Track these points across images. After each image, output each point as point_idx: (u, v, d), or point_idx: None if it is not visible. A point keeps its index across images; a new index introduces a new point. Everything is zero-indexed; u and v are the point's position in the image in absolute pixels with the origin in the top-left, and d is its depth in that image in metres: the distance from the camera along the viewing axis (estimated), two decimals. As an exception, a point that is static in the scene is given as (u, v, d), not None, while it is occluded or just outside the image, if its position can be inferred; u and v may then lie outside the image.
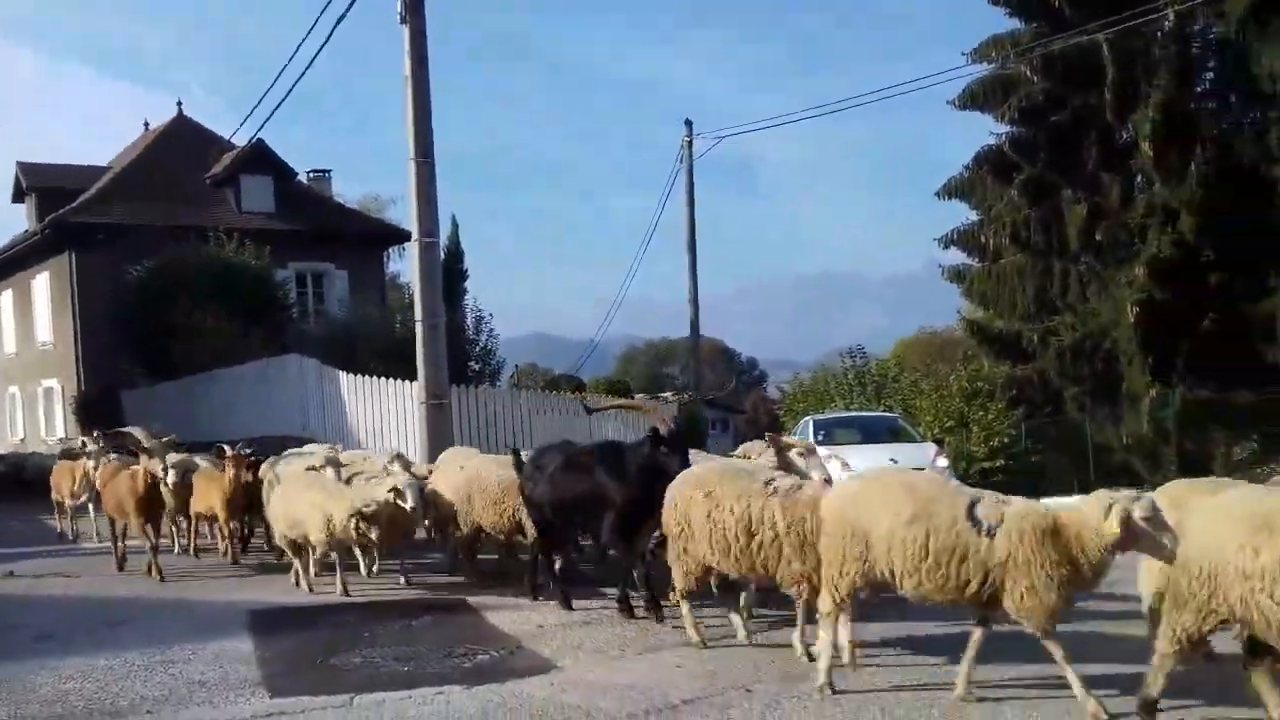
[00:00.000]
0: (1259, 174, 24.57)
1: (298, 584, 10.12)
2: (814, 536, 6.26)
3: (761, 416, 45.17)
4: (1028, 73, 25.89)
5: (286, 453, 13.33)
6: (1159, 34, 25.23)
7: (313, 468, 10.86)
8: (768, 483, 6.72)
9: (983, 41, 28.00)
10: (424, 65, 15.49)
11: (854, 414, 23.38)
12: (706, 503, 6.80)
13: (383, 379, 19.62)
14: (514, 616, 8.16)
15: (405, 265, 37.55)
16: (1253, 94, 25.25)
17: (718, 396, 23.24)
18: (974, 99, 27.53)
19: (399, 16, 15.23)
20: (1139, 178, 25.78)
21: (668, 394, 37.55)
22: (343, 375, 20.60)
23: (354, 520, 9.24)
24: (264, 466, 11.92)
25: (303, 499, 9.86)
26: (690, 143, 25.64)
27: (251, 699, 6.34)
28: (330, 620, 8.41)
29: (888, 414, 22.84)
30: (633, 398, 29.81)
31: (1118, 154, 26.02)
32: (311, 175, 34.37)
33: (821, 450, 16.60)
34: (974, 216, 29.10)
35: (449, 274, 29.35)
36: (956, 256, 29.48)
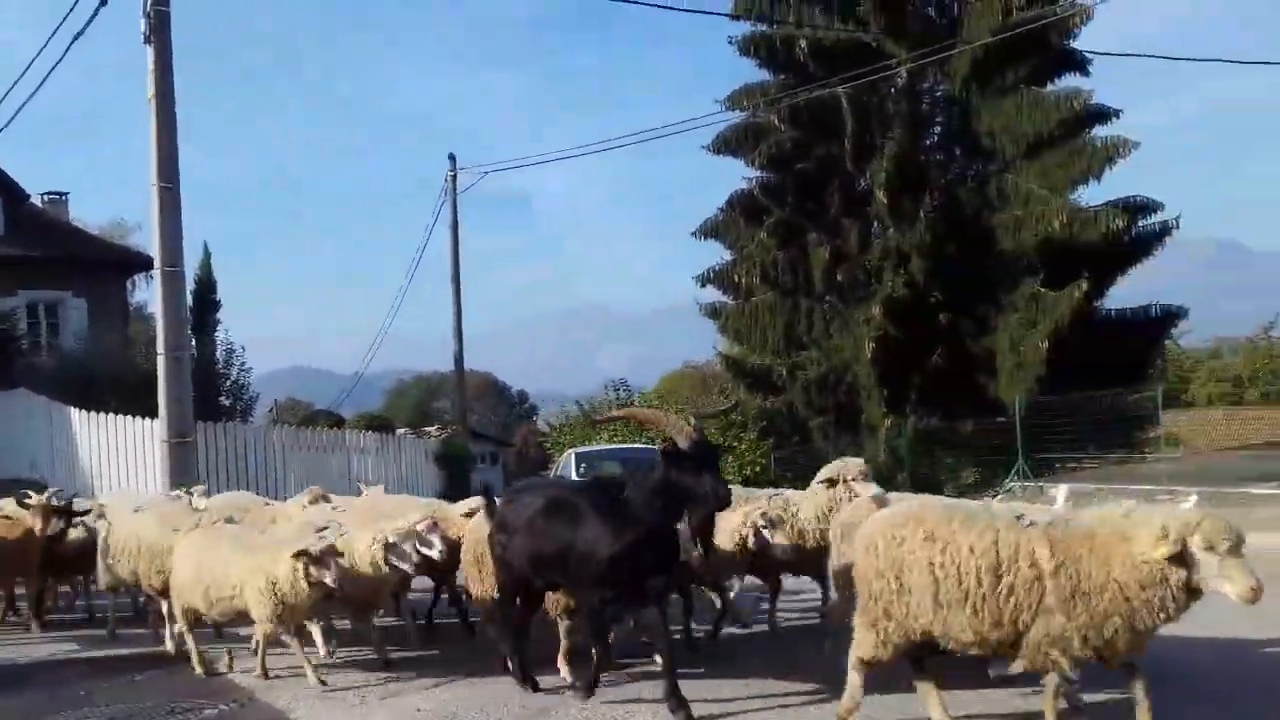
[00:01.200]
0: (980, 222, 26.91)
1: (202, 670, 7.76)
2: (1088, 583, 4.96)
3: (531, 449, 45.10)
4: (776, 122, 27.29)
5: (110, 496, 11.94)
6: (893, 90, 27.34)
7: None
8: (1018, 516, 5.36)
9: (735, 90, 29.38)
10: (169, 87, 14.78)
11: (616, 446, 23.83)
12: (928, 547, 5.31)
13: (121, 416, 18.45)
14: (250, 665, 7.81)
15: (151, 295, 35.37)
16: (975, 148, 27.66)
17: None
18: (727, 144, 28.83)
19: (143, 36, 14.51)
20: (875, 223, 27.65)
21: (432, 428, 37.06)
22: (74, 412, 19.29)
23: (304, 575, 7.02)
24: (91, 515, 9.83)
25: (235, 561, 7.38)
26: (454, 177, 25.61)
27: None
28: (45, 679, 7.81)
29: (647, 446, 23.43)
30: (394, 433, 29.34)
31: (857, 200, 27.82)
32: (47, 198, 31.88)
33: (582, 483, 17.04)
34: (728, 256, 30.36)
35: (200, 304, 27.95)
36: (714, 294, 30.68)
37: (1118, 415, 25.32)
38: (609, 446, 23.65)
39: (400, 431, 31.89)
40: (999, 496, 17.87)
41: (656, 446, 21.79)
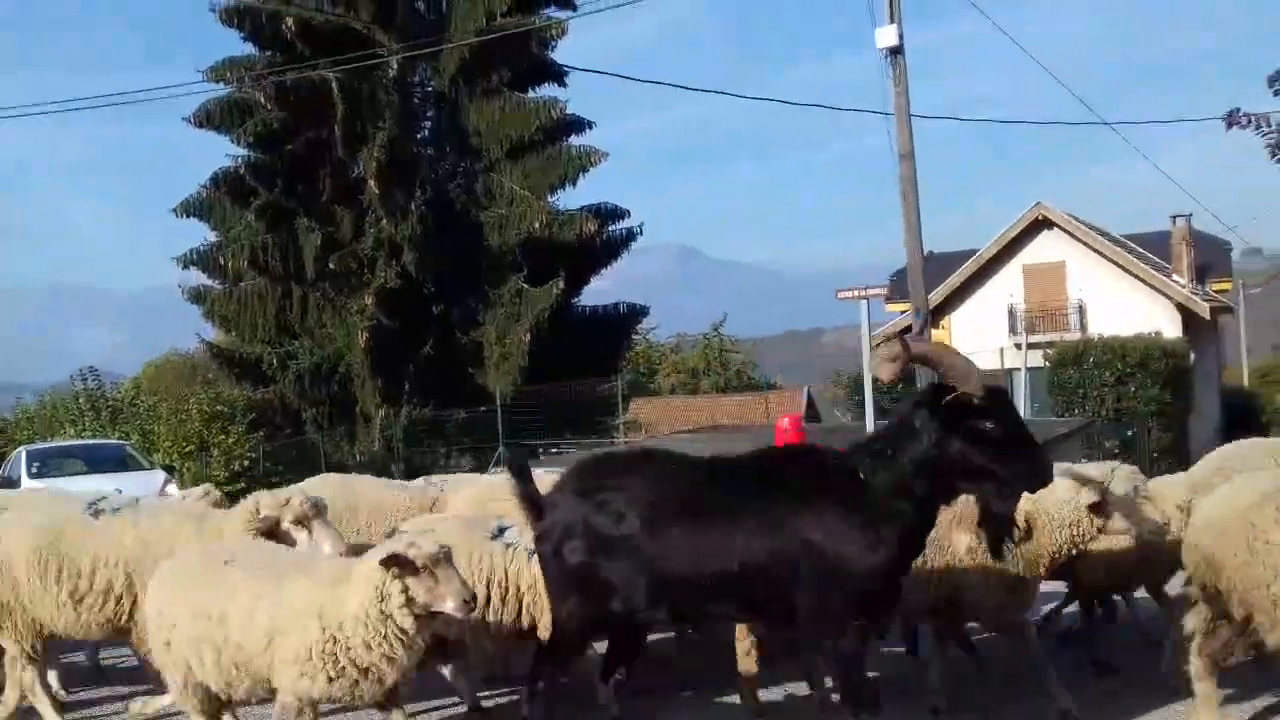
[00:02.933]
0: (469, 218, 27.89)
1: None
2: None
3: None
4: (262, 100, 26.27)
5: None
6: (384, 80, 27.47)
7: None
8: None
9: (219, 62, 27.85)
10: None
11: (76, 443, 21.89)
12: None
13: None
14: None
15: None
16: (464, 146, 28.51)
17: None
18: (210, 119, 27.20)
19: None
20: (369, 212, 27.51)
21: None
22: None
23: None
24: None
25: (287, 599, 4.56)
26: None
27: None
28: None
29: (115, 441, 21.71)
30: None
31: (350, 188, 27.54)
32: None
33: (34, 484, 15.40)
34: (213, 237, 28.76)
35: None
36: (198, 277, 28.86)
37: (591, 403, 27.67)
38: (67, 443, 21.56)
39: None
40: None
41: (123, 442, 20.39)
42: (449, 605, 4.29)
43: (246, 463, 25.10)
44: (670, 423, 35.91)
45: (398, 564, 4.29)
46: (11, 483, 16.66)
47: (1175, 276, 31.95)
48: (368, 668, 4.33)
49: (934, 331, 16.80)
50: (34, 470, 16.96)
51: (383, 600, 4.26)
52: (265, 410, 27.76)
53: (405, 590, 4.27)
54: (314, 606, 4.40)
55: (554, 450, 25.93)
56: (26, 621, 5.88)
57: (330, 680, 4.35)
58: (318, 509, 5.62)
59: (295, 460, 26.87)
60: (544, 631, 5.41)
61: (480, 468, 24.97)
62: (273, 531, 5.56)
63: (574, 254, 27.23)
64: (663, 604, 4.75)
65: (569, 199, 28.44)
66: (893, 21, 14.97)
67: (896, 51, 15.07)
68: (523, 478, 5.11)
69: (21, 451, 18.80)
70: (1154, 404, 26.19)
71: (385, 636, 4.27)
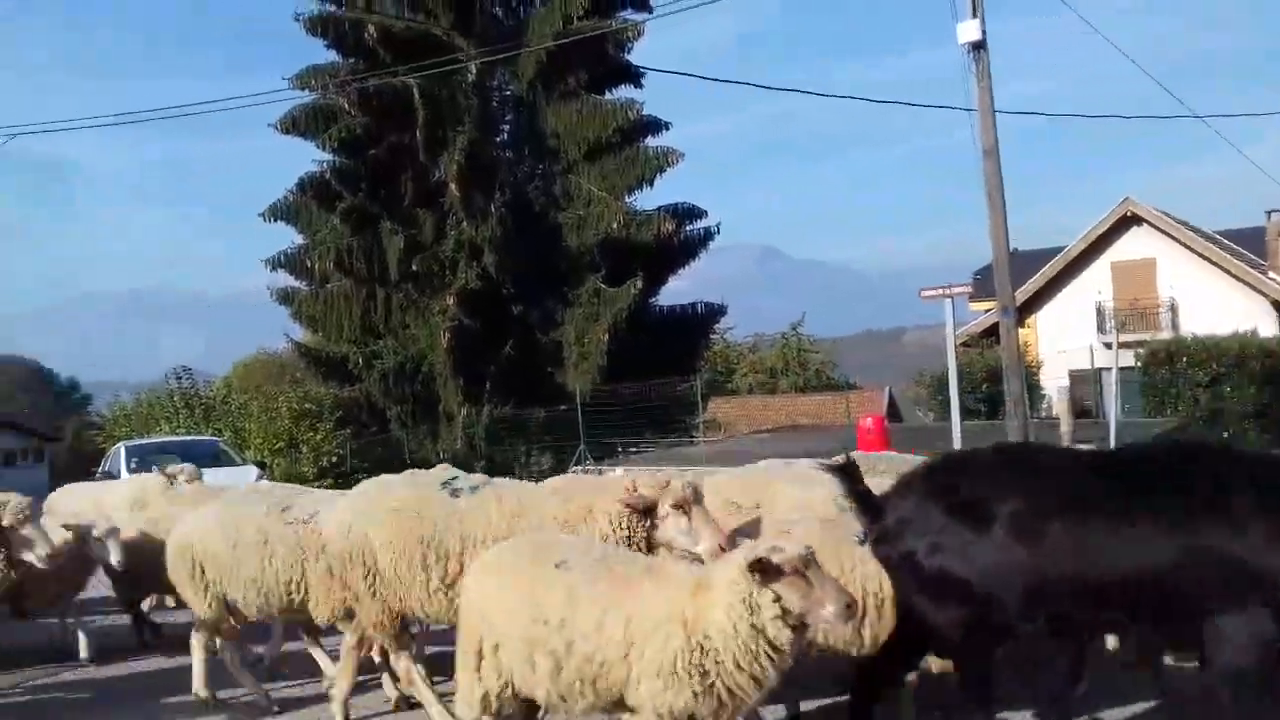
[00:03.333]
0: (548, 219, 28.18)
1: None
2: None
3: (84, 445, 40.99)
4: (345, 106, 26.86)
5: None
6: (463, 85, 27.87)
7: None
8: None
9: (303, 70, 28.49)
10: None
11: (172, 439, 22.50)
12: None
13: None
14: None
15: None
16: (542, 148, 28.79)
17: None
18: (295, 125, 27.88)
19: None
20: (450, 215, 27.92)
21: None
22: None
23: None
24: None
25: (644, 606, 4.22)
26: (-29, 138, 22.57)
27: None
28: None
29: (209, 438, 22.32)
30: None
31: (431, 191, 27.97)
32: None
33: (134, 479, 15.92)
34: (300, 241, 29.44)
35: None
36: (286, 279, 29.61)
37: (669, 402, 27.70)
38: (164, 439, 22.24)
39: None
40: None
41: (216, 439, 20.94)
42: (829, 611, 3.79)
43: (334, 459, 25.58)
44: (748, 422, 35.81)
45: (763, 569, 3.82)
46: (111, 477, 17.28)
47: (1272, 274, 30.89)
48: (732, 688, 3.89)
49: (1020, 331, 16.47)
50: (133, 465, 17.46)
51: (753, 612, 3.80)
52: (351, 408, 28.31)
53: (778, 599, 3.80)
54: (676, 613, 3.99)
55: (632, 450, 26.06)
56: (389, 611, 5.65)
57: (695, 696, 3.90)
58: (697, 495, 5.29)
59: (380, 457, 27.37)
60: (872, 646, 4.88)
61: (560, 466, 25.18)
62: (648, 511, 5.26)
63: (652, 254, 27.31)
64: (1039, 611, 4.38)
65: (646, 199, 28.60)
66: (975, 16, 14.71)
67: (979, 46, 14.79)
68: (853, 477, 4.82)
69: (121, 447, 19.43)
70: (1251, 405, 25.30)
71: (757, 654, 3.81)
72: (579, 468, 24.14)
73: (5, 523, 6.31)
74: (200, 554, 6.31)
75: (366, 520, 5.67)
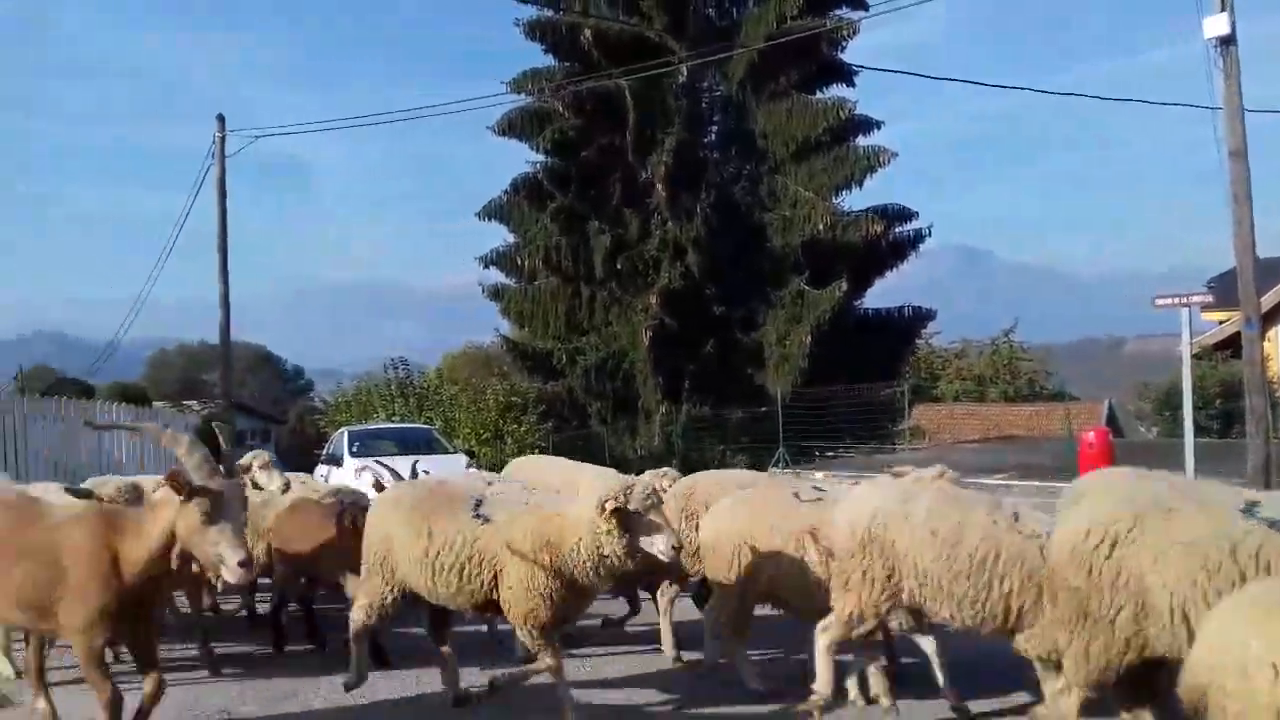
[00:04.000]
0: (752, 219, 28.07)
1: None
2: None
3: (307, 428, 43.70)
4: (560, 108, 27.57)
5: None
6: (674, 86, 28.10)
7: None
8: None
9: (521, 73, 29.43)
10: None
11: (389, 426, 23.56)
12: None
13: None
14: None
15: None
16: (749, 148, 28.75)
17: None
18: (511, 127, 28.88)
19: None
20: (655, 215, 28.29)
21: (194, 403, 35.34)
22: None
23: None
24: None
25: None
26: (223, 139, 24.39)
27: None
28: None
29: (423, 426, 23.28)
30: (150, 407, 27.82)
31: (638, 191, 28.41)
32: None
33: (355, 462, 16.82)
34: (512, 239, 30.43)
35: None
36: (497, 276, 30.72)
37: (871, 408, 27.05)
38: (382, 426, 23.36)
39: (157, 405, 30.27)
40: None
41: (429, 427, 21.76)
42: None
43: (536, 451, 26.22)
44: (952, 431, 34.57)
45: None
46: (336, 460, 18.25)
47: None
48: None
49: (1264, 344, 15.24)
50: (354, 449, 18.37)
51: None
52: (554, 402, 28.98)
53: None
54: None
55: (829, 454, 25.62)
56: None
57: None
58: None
59: (580, 451, 27.90)
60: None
61: (756, 467, 25.00)
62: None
63: (858, 256, 26.81)
64: None
65: (855, 200, 28.08)
66: (1224, 9, 13.66)
67: (1228, 42, 13.75)
68: None
69: (344, 432, 20.47)
70: None
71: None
72: (777, 470, 23.99)
73: (632, 507, 5.25)
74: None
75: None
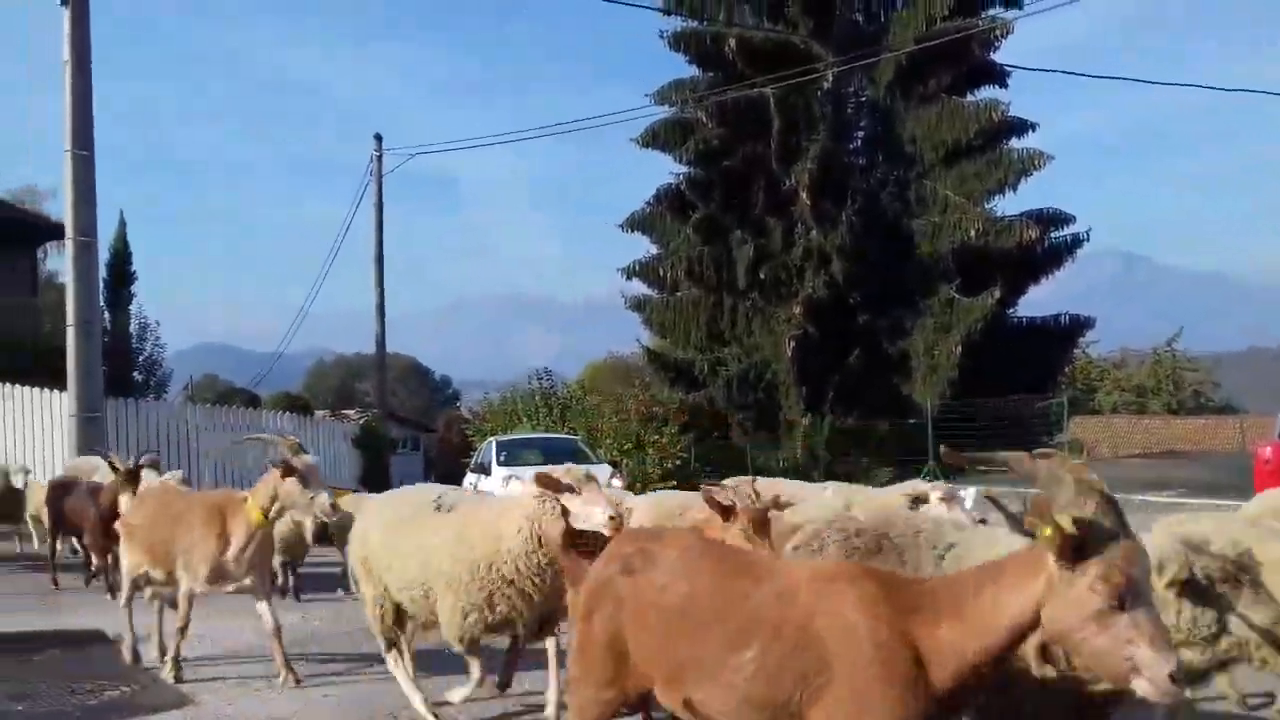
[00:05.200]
0: (899, 227, 27.47)
1: None
2: None
3: (454, 436, 44.74)
4: (704, 118, 27.57)
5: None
6: (819, 92, 27.72)
7: None
8: None
9: (664, 85, 29.61)
10: (85, 51, 14.59)
11: (536, 435, 23.85)
12: None
13: (23, 388, 17.98)
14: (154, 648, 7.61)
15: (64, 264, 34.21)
16: (896, 154, 28.17)
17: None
18: (655, 138, 29.05)
19: (60, -2, 14.32)
20: (799, 223, 27.99)
21: (351, 411, 36.60)
22: (-26, 382, 18.67)
23: None
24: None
25: None
26: (379, 157, 25.34)
27: None
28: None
29: (568, 436, 23.50)
30: (311, 415, 28.95)
31: (781, 200, 28.13)
32: (-48, 162, 30.79)
33: (502, 471, 17.08)
34: (654, 250, 30.59)
35: (115, 275, 27.30)
36: (639, 287, 30.90)
37: (1026, 420, 26.06)
38: (528, 435, 23.69)
39: (319, 414, 31.47)
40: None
41: (574, 437, 21.93)
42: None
43: (678, 462, 26.12)
44: (1112, 444, 33.05)
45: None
46: (484, 468, 18.58)
47: None
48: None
49: None
50: (502, 459, 18.66)
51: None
52: (695, 413, 28.86)
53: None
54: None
55: (981, 468, 24.73)
56: None
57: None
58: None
59: (722, 462, 27.73)
60: None
61: (902, 480, 24.30)
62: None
63: (1012, 262, 25.94)
64: None
65: (1008, 204, 27.21)
66: None
67: None
68: None
69: (492, 442, 20.82)
70: None
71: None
72: (924, 482, 23.22)
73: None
74: None
75: None
